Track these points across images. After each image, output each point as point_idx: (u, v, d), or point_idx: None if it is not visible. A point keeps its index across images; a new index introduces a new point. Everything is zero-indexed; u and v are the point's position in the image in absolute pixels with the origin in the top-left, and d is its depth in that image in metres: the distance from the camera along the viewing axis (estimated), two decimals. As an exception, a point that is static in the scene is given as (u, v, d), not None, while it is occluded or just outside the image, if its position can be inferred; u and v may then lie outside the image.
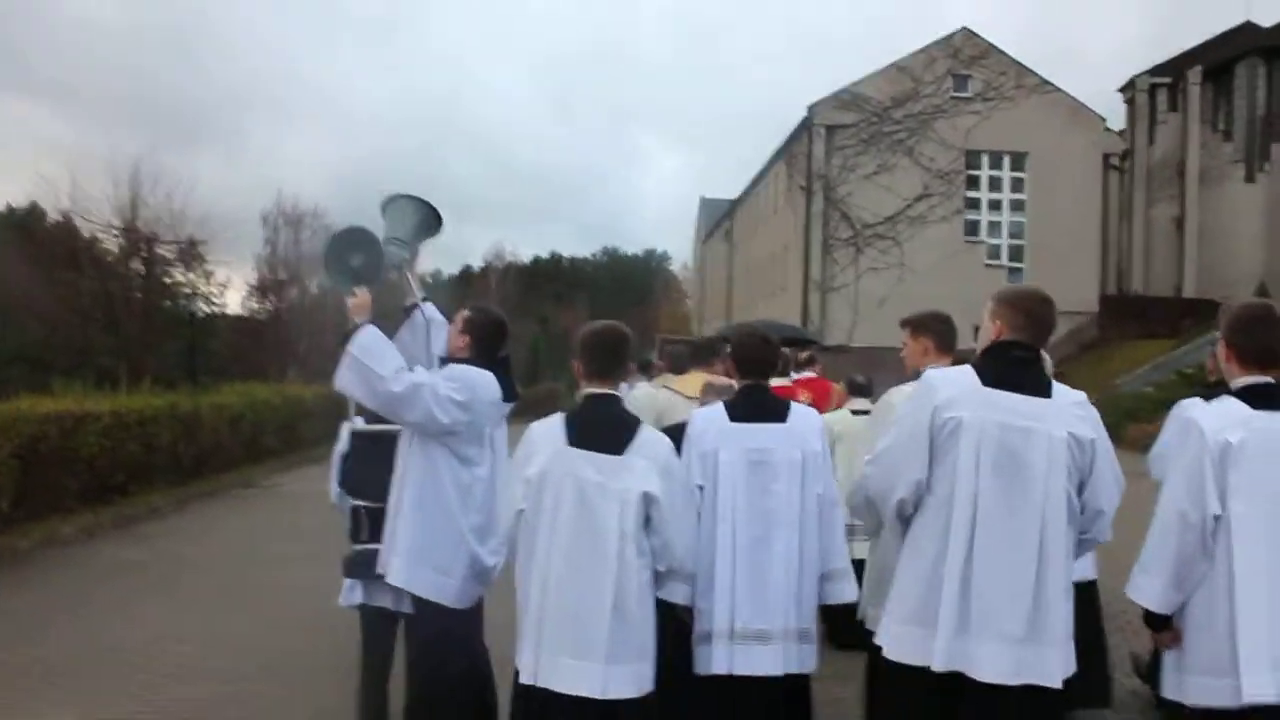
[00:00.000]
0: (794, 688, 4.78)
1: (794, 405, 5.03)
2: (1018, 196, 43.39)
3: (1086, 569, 6.09)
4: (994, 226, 43.67)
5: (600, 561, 4.09)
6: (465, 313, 5.17)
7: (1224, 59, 49.20)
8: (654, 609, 4.28)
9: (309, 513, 15.76)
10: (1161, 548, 3.96)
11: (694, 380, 6.66)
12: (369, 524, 5.22)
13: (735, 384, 5.22)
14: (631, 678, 4.11)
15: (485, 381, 4.85)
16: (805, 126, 43.07)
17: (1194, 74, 48.56)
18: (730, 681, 4.67)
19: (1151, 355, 36.20)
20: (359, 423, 5.57)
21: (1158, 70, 50.07)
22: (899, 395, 4.83)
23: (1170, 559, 3.92)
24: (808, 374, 11.81)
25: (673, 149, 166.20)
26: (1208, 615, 3.91)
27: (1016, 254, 43.42)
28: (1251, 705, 3.80)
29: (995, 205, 43.64)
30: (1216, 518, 3.86)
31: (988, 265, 42.88)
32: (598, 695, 4.03)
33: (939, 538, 3.70)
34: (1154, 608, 3.99)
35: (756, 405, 4.87)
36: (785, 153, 46.43)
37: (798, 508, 4.75)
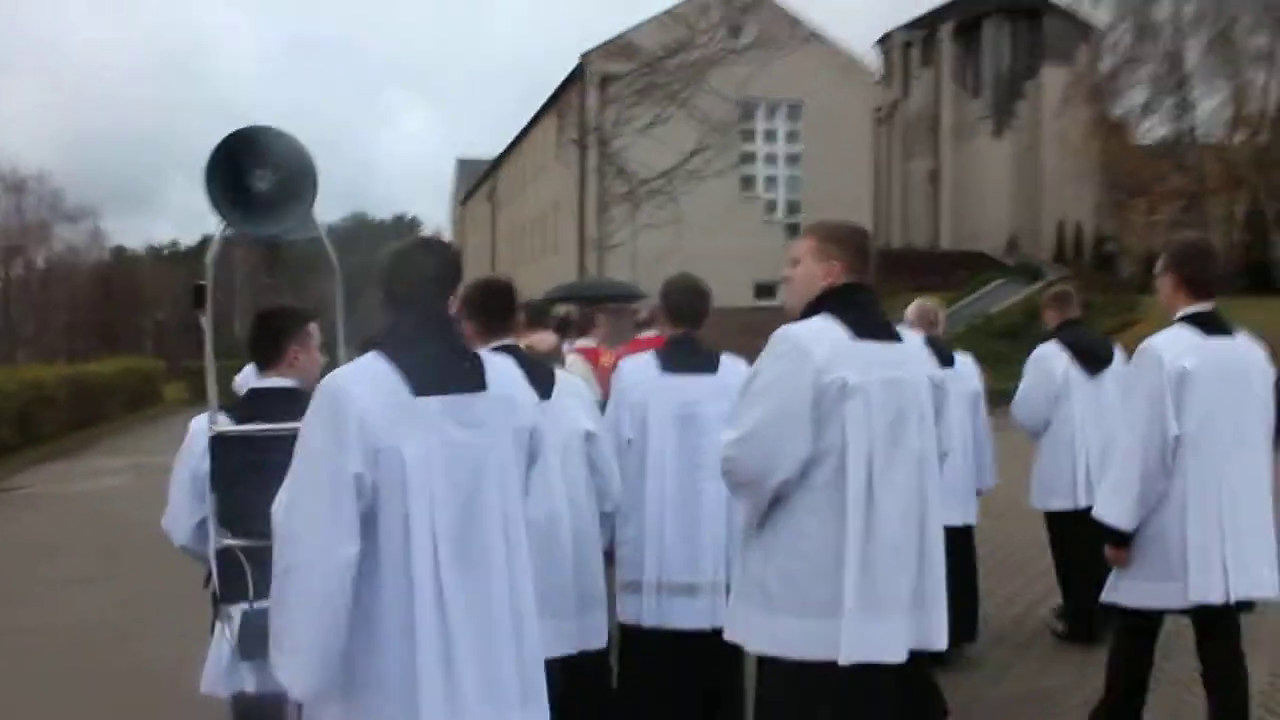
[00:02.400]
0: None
1: (724, 357, 4.83)
2: (793, 149, 42.43)
3: (969, 514, 6.28)
4: (770, 181, 42.69)
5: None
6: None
7: (972, 16, 49.69)
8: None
9: (68, 523, 13.47)
10: (1127, 469, 4.21)
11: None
12: (253, 571, 3.37)
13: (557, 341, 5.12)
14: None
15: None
16: (577, 77, 40.93)
17: (946, 30, 48.93)
18: (659, 633, 4.63)
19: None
20: (223, 421, 3.58)
21: (912, 25, 49.89)
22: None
23: (1135, 479, 4.16)
24: (649, 333, 10.06)
25: (422, 107, 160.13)
26: (1160, 528, 4.19)
27: (794, 208, 42.54)
28: (1197, 605, 4.15)
29: (771, 159, 42.56)
30: (1176, 438, 4.12)
31: (765, 221, 41.98)
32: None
33: (829, 515, 3.25)
34: (1124, 526, 4.23)
35: (687, 356, 4.75)
36: (555, 105, 44.04)
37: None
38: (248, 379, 12.11)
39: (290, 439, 3.27)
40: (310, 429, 2.76)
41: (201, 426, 3.64)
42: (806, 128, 42.14)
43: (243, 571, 3.43)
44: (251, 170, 3.47)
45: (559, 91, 43.79)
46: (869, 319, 3.38)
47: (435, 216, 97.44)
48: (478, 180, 64.82)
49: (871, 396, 3.26)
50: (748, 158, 42.09)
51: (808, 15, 42.07)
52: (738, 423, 3.39)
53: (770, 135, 42.48)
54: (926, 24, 50.14)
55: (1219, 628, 4.33)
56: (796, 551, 3.30)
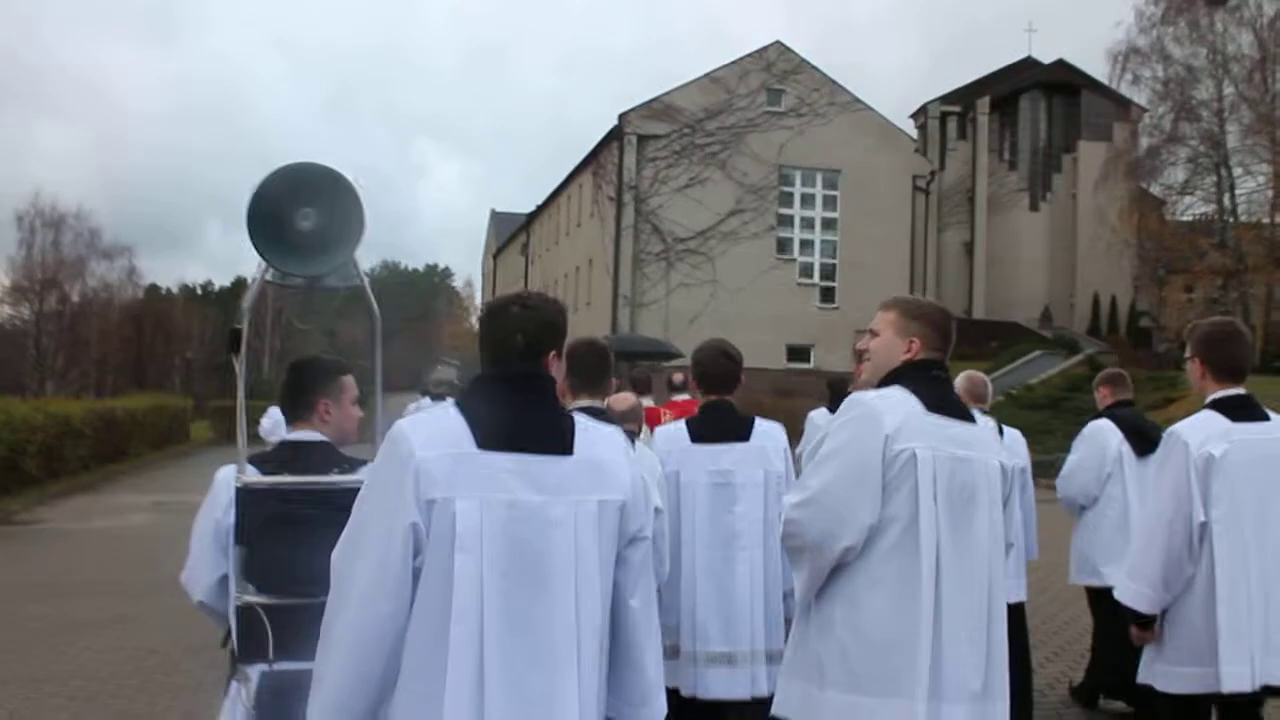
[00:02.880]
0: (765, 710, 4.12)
1: (758, 422, 4.84)
2: (830, 214, 42.17)
3: (1019, 591, 6.12)
4: (806, 244, 42.32)
5: None
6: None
7: (1009, 91, 50.09)
8: None
9: (86, 562, 13.16)
10: (1149, 554, 4.19)
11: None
12: (275, 630, 3.20)
13: (638, 401, 4.90)
14: None
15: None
16: (615, 136, 40.78)
17: (983, 104, 49.30)
18: (697, 704, 4.53)
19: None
20: (251, 472, 3.40)
21: (947, 99, 50.15)
22: (822, 418, 4.82)
23: (1159, 564, 4.15)
24: (684, 396, 10.52)
25: (457, 160, 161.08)
26: (1189, 613, 4.16)
27: (828, 272, 42.29)
28: (1231, 693, 4.10)
29: (807, 223, 42.22)
30: (1202, 524, 4.10)
31: (799, 284, 41.66)
32: None
33: (895, 590, 3.13)
34: (1140, 608, 4.20)
35: (719, 424, 4.70)
36: (592, 162, 44.00)
37: (760, 528, 4.64)
38: (276, 425, 11.81)
39: (319, 494, 3.24)
40: (372, 475, 2.68)
41: (228, 477, 3.44)
42: (844, 193, 41.97)
43: (264, 630, 3.23)
44: (296, 209, 3.27)
45: (597, 149, 43.75)
46: (944, 395, 3.35)
47: (467, 268, 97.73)
48: (512, 233, 64.80)
49: (940, 471, 3.19)
50: (784, 221, 41.81)
51: (847, 83, 42.04)
52: (803, 485, 3.31)
53: (807, 200, 42.25)
54: (963, 97, 50.11)
55: (1245, 713, 4.36)
56: (854, 626, 3.19)
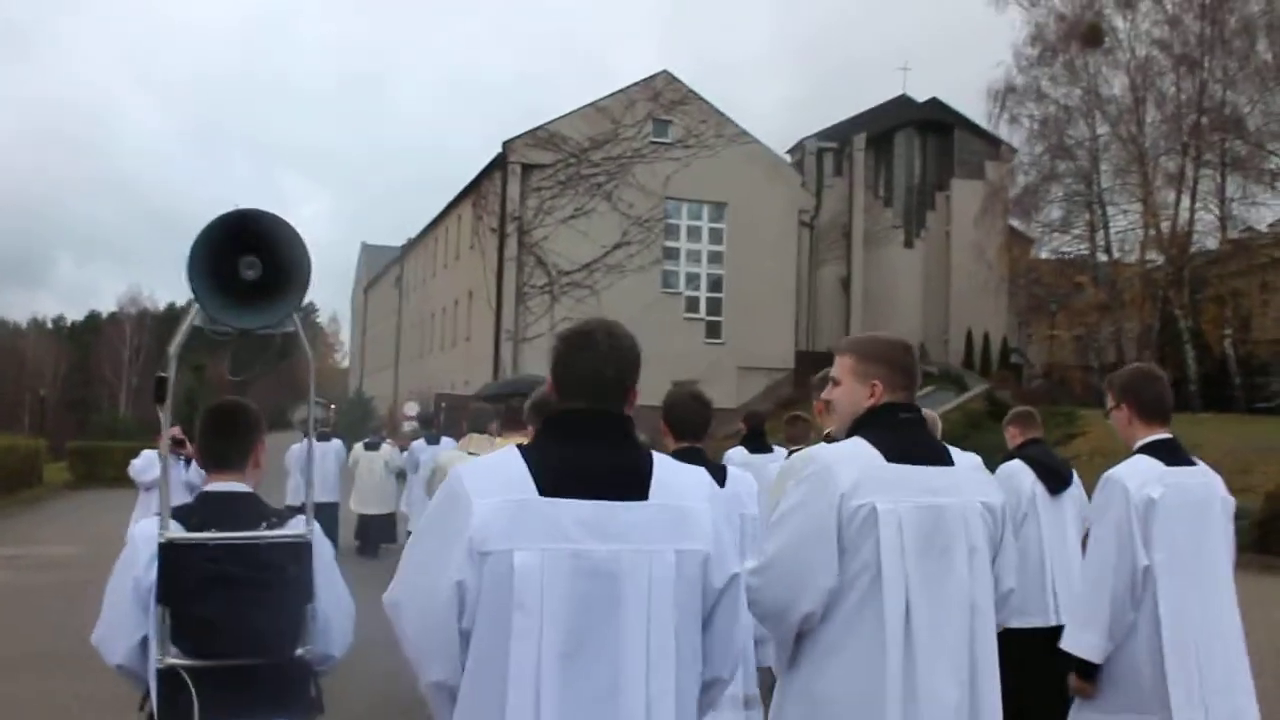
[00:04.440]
0: None
1: (730, 469, 4.85)
2: (716, 248, 40.99)
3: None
4: (692, 278, 41.23)
5: None
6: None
7: (884, 129, 49.90)
8: None
9: None
10: (1095, 601, 4.12)
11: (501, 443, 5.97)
12: (200, 693, 2.99)
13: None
14: None
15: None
16: (498, 165, 39.01)
17: (859, 140, 48.88)
18: None
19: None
20: (175, 527, 3.12)
21: (824, 135, 49.75)
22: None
23: (1105, 611, 4.07)
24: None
25: (325, 192, 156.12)
26: (1132, 660, 4.06)
27: (714, 307, 41.12)
28: None
29: (694, 256, 41.10)
30: (1145, 568, 4.04)
31: (686, 318, 40.64)
32: None
33: (862, 654, 2.95)
34: (1093, 658, 4.10)
35: None
36: (473, 193, 42.25)
37: None
38: (149, 466, 9.28)
39: (249, 550, 3.11)
40: (424, 525, 2.51)
41: (148, 532, 3.21)
42: (730, 227, 41.21)
43: (189, 694, 3.06)
44: (240, 257, 3.11)
45: (478, 179, 42.28)
46: (910, 440, 3.18)
47: (334, 303, 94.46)
48: (384, 267, 62.75)
49: (905, 524, 3.02)
50: (670, 254, 40.89)
51: (734, 116, 41.18)
52: (760, 551, 3.21)
53: (693, 233, 41.36)
54: (839, 134, 49.87)
55: None
56: (820, 694, 3.02)
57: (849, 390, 3.29)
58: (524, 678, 2.30)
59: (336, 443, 16.34)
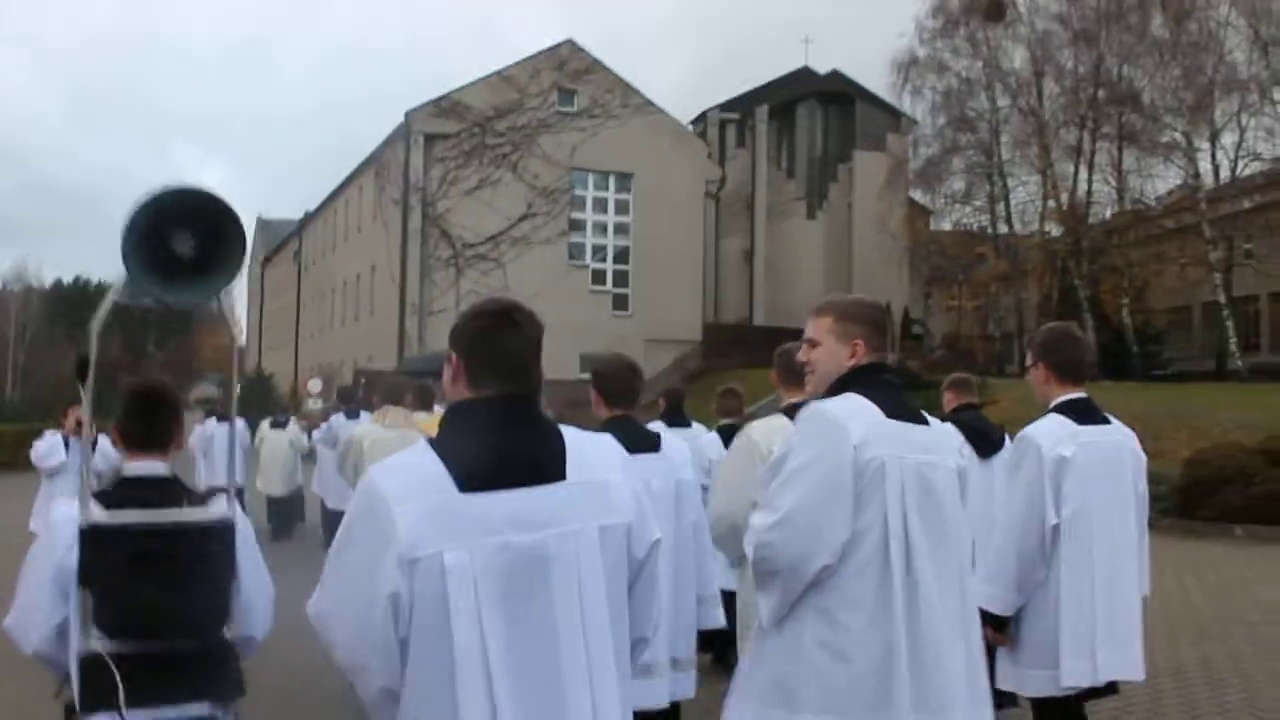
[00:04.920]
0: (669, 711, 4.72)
1: (664, 435, 4.90)
2: (622, 219, 40.69)
3: None
4: (598, 250, 40.89)
5: None
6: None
7: (787, 100, 49.88)
8: None
9: None
10: (1004, 556, 4.17)
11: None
12: (125, 678, 2.96)
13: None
14: None
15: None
16: (401, 135, 38.19)
17: (761, 112, 48.96)
18: None
19: (770, 384, 33.71)
20: (96, 512, 3.06)
21: (727, 106, 49.60)
22: (760, 431, 4.46)
23: (1013, 566, 4.13)
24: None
25: (217, 163, 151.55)
26: (1039, 614, 4.15)
27: (621, 279, 40.58)
28: (1072, 690, 4.13)
29: (600, 228, 40.59)
30: (1055, 526, 4.10)
31: (592, 290, 40.14)
32: None
33: (872, 605, 3.03)
34: (999, 610, 4.14)
35: (631, 437, 4.28)
36: (375, 163, 41.07)
37: (672, 538, 4.46)
38: (53, 450, 8.48)
39: (173, 531, 3.13)
40: (345, 535, 2.37)
41: (68, 515, 3.13)
42: (636, 198, 40.83)
43: (111, 679, 2.99)
44: (175, 233, 3.07)
45: (380, 150, 41.14)
46: (899, 400, 3.24)
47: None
48: (282, 240, 61.01)
49: (908, 478, 3.10)
50: (576, 226, 40.36)
51: (638, 86, 40.62)
52: (772, 506, 3.14)
53: (599, 204, 40.91)
54: (741, 105, 49.67)
55: (1071, 710, 4.32)
56: (833, 646, 3.05)
57: (830, 350, 3.28)
58: (472, 675, 2.26)
59: (240, 423, 15.43)
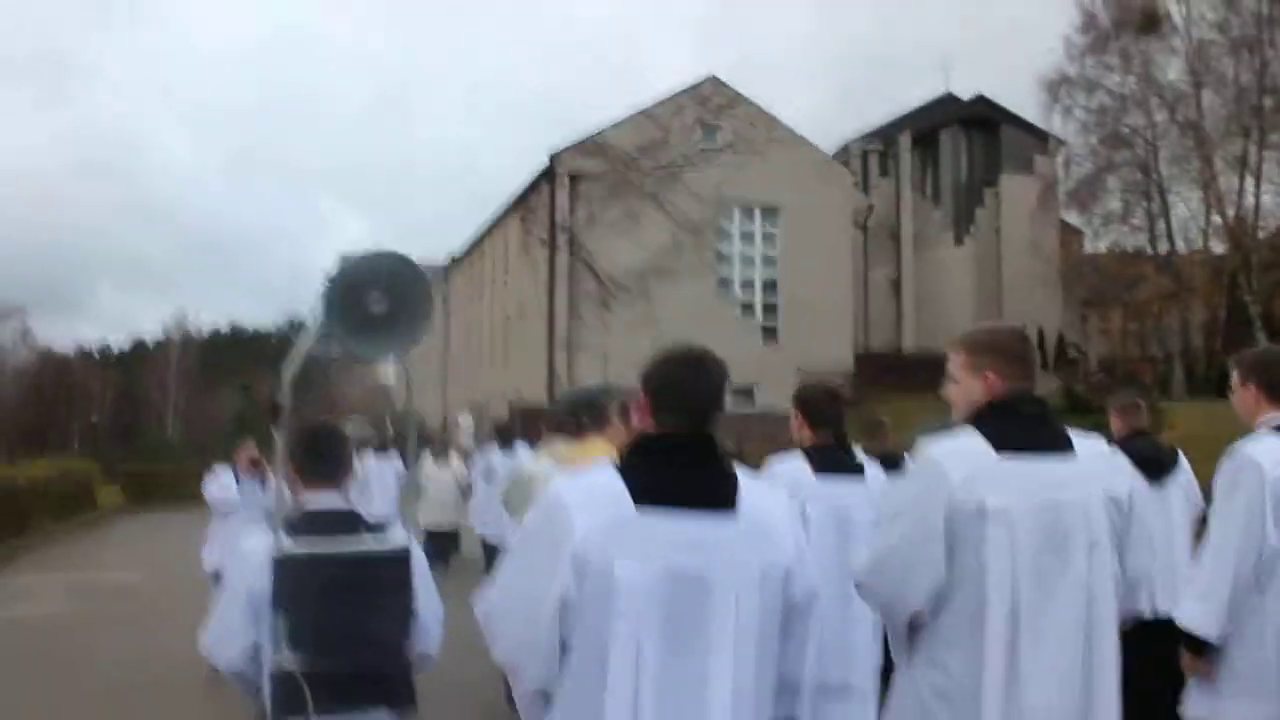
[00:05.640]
0: None
1: (864, 462, 4.84)
2: (770, 252, 40.09)
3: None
4: (747, 283, 40.40)
5: None
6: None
7: (929, 127, 49.27)
8: None
9: None
10: (1216, 578, 3.94)
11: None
12: (314, 693, 3.28)
13: None
14: None
15: None
16: (546, 176, 38.10)
17: (904, 140, 48.16)
18: None
19: (925, 411, 32.72)
20: (286, 543, 3.42)
21: (870, 136, 48.91)
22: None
23: (1225, 588, 3.90)
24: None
25: (357, 213, 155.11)
26: (1255, 643, 3.88)
27: (769, 311, 40.08)
28: None
29: (748, 260, 40.08)
30: (1275, 550, 3.86)
31: (741, 322, 39.91)
32: None
33: (969, 649, 2.94)
34: (1209, 634, 3.92)
35: (838, 460, 4.66)
36: (520, 206, 41.24)
37: None
38: (226, 489, 9.88)
39: (356, 560, 3.44)
40: (524, 537, 2.64)
41: (260, 545, 3.43)
42: (784, 229, 40.38)
43: (302, 694, 3.29)
44: (370, 292, 3.48)
45: (526, 191, 41.38)
46: (1026, 431, 3.08)
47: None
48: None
49: (1016, 521, 2.95)
50: (723, 259, 40.01)
51: (785, 117, 40.26)
52: (872, 546, 3.19)
53: (746, 236, 40.59)
54: (884, 135, 48.96)
55: None
56: (934, 686, 2.99)
57: (964, 385, 3.22)
58: (623, 682, 2.38)
59: (397, 460, 15.69)
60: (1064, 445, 3.11)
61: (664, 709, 2.40)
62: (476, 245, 50.44)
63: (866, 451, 7.37)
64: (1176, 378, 37.70)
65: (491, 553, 12.21)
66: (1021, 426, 3.09)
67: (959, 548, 2.95)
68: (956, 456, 3.02)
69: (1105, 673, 3.02)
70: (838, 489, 4.60)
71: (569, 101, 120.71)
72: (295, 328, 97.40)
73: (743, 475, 2.66)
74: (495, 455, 14.73)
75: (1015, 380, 3.15)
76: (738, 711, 2.46)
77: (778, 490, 2.81)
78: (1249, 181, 36.33)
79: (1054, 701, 2.93)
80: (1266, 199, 36.63)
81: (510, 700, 2.75)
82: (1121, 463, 3.34)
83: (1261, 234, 36.23)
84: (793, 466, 4.67)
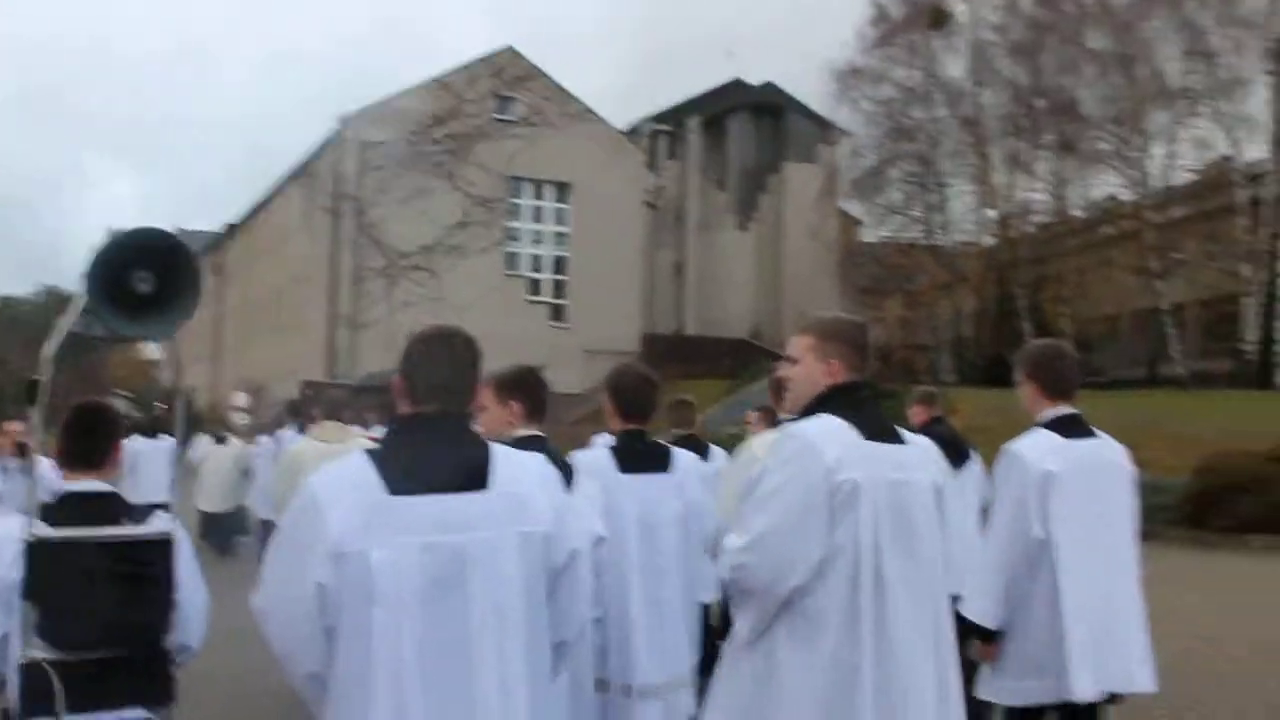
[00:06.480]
0: None
1: (675, 452, 4.65)
2: (561, 229, 39.28)
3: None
4: (536, 260, 39.40)
5: None
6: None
7: (718, 111, 49.17)
8: None
9: None
10: (991, 571, 4.21)
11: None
12: (65, 686, 3.19)
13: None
14: None
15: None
16: (334, 142, 36.35)
17: (693, 124, 48.05)
18: None
19: (711, 395, 32.76)
20: (41, 528, 3.33)
21: (659, 117, 48.61)
22: (762, 446, 4.82)
23: (998, 580, 4.17)
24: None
25: (129, 172, 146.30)
26: (1031, 625, 4.15)
27: (558, 290, 39.47)
28: (1076, 701, 4.11)
29: (537, 238, 39.12)
30: (1041, 540, 4.11)
31: (529, 301, 38.83)
32: None
33: (836, 624, 3.04)
34: (988, 624, 4.20)
35: (645, 452, 4.48)
36: (305, 172, 39.35)
37: (681, 559, 4.47)
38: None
39: (115, 546, 3.36)
40: (281, 534, 2.67)
41: (11, 532, 3.29)
42: (575, 208, 39.82)
43: (49, 686, 3.20)
44: (135, 272, 3.38)
45: (312, 157, 39.71)
46: (875, 419, 3.25)
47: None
48: (203, 252, 58.56)
49: (880, 499, 3.11)
50: (513, 235, 39.17)
51: (580, 94, 39.58)
52: (744, 527, 3.16)
53: (537, 213, 39.65)
54: (674, 117, 48.87)
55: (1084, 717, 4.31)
56: (802, 667, 3.06)
57: (807, 369, 3.30)
58: (387, 666, 2.44)
59: (168, 440, 14.41)
60: (899, 436, 3.28)
61: (430, 685, 2.47)
62: (257, 212, 48.33)
63: (675, 433, 7.06)
64: (945, 365, 39.02)
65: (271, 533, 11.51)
66: (869, 413, 3.21)
67: (835, 524, 3.04)
68: (827, 436, 3.10)
69: (950, 645, 3.20)
70: (644, 483, 4.49)
71: (360, 66, 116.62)
72: (55, 298, 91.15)
73: (497, 449, 2.72)
74: (288, 435, 13.82)
75: (856, 371, 3.27)
76: (506, 680, 2.54)
77: (534, 458, 2.84)
78: (1021, 178, 37.87)
79: (919, 671, 3.05)
80: (1036, 195, 38.31)
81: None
82: (936, 453, 3.46)
83: (1031, 229, 37.73)
84: (597, 458, 4.56)
